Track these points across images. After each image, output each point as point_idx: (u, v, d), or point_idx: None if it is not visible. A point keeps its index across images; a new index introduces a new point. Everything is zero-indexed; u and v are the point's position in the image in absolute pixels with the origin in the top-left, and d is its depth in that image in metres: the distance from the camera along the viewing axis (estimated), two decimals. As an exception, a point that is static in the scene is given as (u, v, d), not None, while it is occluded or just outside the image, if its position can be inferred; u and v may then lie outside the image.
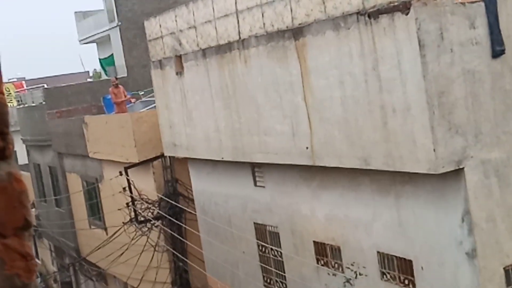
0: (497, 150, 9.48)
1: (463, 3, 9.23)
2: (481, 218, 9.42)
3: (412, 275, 10.60)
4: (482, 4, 9.35)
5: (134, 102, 23.33)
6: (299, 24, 11.29)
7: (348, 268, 11.93)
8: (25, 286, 1.04)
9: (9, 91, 44.56)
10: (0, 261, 1.02)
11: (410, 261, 10.59)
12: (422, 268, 10.34)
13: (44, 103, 28.35)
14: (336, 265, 12.34)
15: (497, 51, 9.35)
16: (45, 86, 34.91)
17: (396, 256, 10.89)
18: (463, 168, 9.26)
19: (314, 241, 12.78)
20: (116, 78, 23.57)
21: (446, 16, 9.10)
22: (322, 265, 12.71)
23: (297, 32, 11.36)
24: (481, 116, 9.34)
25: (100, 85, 28.93)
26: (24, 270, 1.03)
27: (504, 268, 9.57)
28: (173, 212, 18.43)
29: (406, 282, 10.77)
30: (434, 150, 9.07)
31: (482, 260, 9.43)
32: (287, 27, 11.63)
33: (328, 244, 12.45)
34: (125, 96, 22.57)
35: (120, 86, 22.60)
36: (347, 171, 11.15)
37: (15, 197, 1.02)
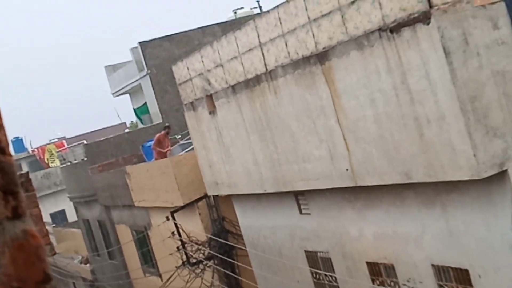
0: (539, 147, 9.32)
1: (483, 5, 9.18)
2: (532, 217, 9.24)
3: (470, 284, 10.41)
4: (503, 3, 9.29)
5: (170, 150, 23.42)
6: (323, 48, 11.35)
7: (405, 285, 11.77)
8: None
9: (51, 151, 45.42)
10: None
11: (466, 270, 10.41)
12: (479, 276, 10.16)
13: (85, 159, 28.79)
14: (392, 283, 12.19)
15: (524, 48, 9.26)
16: (85, 142, 35.49)
17: (451, 267, 10.72)
18: (506, 170, 9.13)
19: (366, 262, 12.66)
20: (168, 127, 23.27)
21: (468, 20, 9.07)
22: (378, 285, 12.57)
23: (322, 56, 11.41)
24: (517, 115, 9.21)
25: (138, 134, 29.30)
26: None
27: None
28: (224, 251, 18.45)
29: (465, 292, 10.58)
30: (474, 155, 8.97)
31: (540, 261, 9.23)
32: (311, 52, 11.70)
33: (381, 263, 12.32)
34: (168, 146, 22.64)
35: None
36: (390, 187, 11.07)
37: (33, 253, 1.06)
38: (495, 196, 9.48)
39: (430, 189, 10.45)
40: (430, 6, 9.08)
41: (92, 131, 56.46)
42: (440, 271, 10.96)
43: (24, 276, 1.05)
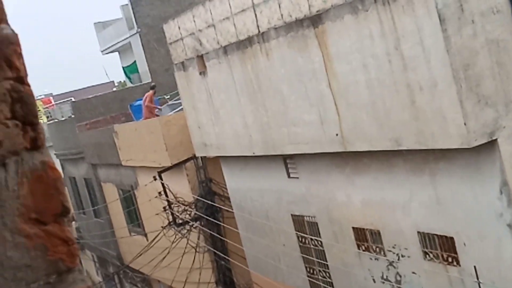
0: (529, 117, 9.35)
1: (480, -27, 9.12)
2: (520, 187, 9.31)
3: (455, 252, 10.52)
4: (500, -29, 9.23)
5: (160, 109, 23.52)
6: (317, 11, 11.26)
7: (390, 251, 11.88)
8: (70, 270, 1.07)
9: (38, 108, 45.11)
10: (43, 248, 1.05)
11: (452, 238, 10.51)
12: (464, 244, 10.26)
13: (73, 116, 28.66)
14: (377, 249, 12.29)
15: (519, 18, 9.24)
16: (73, 99, 35.28)
17: (437, 235, 10.81)
18: (496, 139, 9.17)
19: (353, 227, 12.75)
20: (155, 86, 23.79)
21: (464, -13, 9.01)
22: (363, 251, 12.68)
23: (315, 20, 11.33)
24: (510, 84, 9.23)
25: (126, 93, 29.17)
26: (67, 255, 1.06)
27: (547, 236, 9.46)
28: (210, 212, 18.52)
29: (450, 259, 10.70)
30: (465, 124, 8.98)
31: (525, 230, 9.32)
32: (305, 15, 11.61)
33: (367, 229, 12.41)
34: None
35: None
36: (379, 153, 11.11)
37: (51, 185, 1.05)
38: (483, 165, 9.53)
39: (419, 157, 10.48)
40: (428, -28, 9.00)
41: (80, 89, 56.09)
42: (426, 238, 11.05)
43: (43, 208, 1.04)
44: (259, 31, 13.10)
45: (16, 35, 1.04)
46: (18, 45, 1.04)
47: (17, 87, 1.02)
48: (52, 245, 1.04)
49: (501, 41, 9.19)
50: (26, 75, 1.05)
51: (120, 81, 41.17)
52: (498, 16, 9.19)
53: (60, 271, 1.05)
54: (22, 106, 1.04)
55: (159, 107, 23.45)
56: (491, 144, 9.21)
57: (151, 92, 22.89)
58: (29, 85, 1.06)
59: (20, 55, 1.05)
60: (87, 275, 33.02)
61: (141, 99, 23.93)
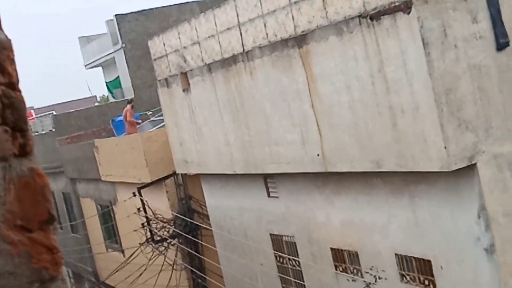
0: (509, 143, 9.44)
1: (464, -1, 9.24)
2: (498, 212, 9.37)
3: (432, 275, 10.55)
4: (483, -2, 9.36)
5: (141, 123, 23.52)
6: (302, 31, 11.33)
7: (367, 272, 11.88)
8: (53, 279, 1.06)
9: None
10: (27, 255, 1.04)
11: (429, 261, 10.54)
12: (441, 267, 10.29)
13: (54, 130, 28.49)
14: (355, 270, 12.29)
15: (501, 44, 9.35)
16: (54, 113, 35.10)
17: (414, 257, 10.84)
18: (475, 164, 9.23)
19: (331, 248, 12.74)
20: (133, 100, 23.95)
21: (448, 12, 9.11)
22: (341, 272, 12.67)
23: (300, 40, 11.39)
24: (490, 110, 9.32)
25: (108, 108, 29.09)
26: (51, 263, 1.05)
27: (524, 262, 9.51)
28: (189, 230, 18.44)
29: (427, 282, 10.72)
30: (445, 147, 9.05)
31: (502, 255, 9.37)
32: (290, 35, 11.67)
33: (345, 250, 12.41)
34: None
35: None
36: (360, 175, 11.14)
37: (38, 192, 1.04)
38: (463, 190, 9.59)
39: (399, 179, 10.53)
40: (412, -4, 9.10)
41: (62, 103, 55.84)
42: (403, 261, 11.07)
43: (29, 215, 1.03)
44: (244, 50, 13.14)
45: (9, 40, 1.04)
46: (11, 50, 1.04)
47: (8, 93, 1.02)
48: (36, 252, 1.03)
49: (483, 67, 9.29)
50: (18, 81, 1.05)
51: (103, 96, 41.06)
52: (481, 41, 9.30)
53: (44, 279, 1.04)
54: (13, 112, 1.03)
55: (139, 121, 23.45)
56: (471, 169, 9.28)
57: (128, 106, 22.90)
58: (20, 91, 1.05)
59: (12, 61, 1.04)
60: None
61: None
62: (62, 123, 28.20)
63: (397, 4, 9.29)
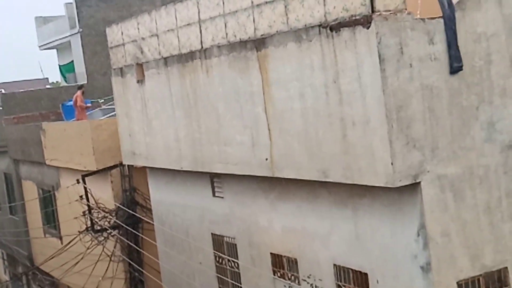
0: (453, 165, 9.60)
1: (422, 19, 9.35)
2: (436, 232, 9.52)
3: (368, 288, 10.65)
4: (441, 20, 9.49)
5: (90, 107, 23.27)
6: (262, 35, 11.33)
7: (305, 280, 11.93)
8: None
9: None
10: None
11: (366, 274, 10.63)
12: (377, 281, 10.40)
13: (1, 108, 27.91)
14: (292, 277, 12.34)
15: (455, 67, 9.50)
16: (3, 91, 34.39)
17: (352, 269, 10.93)
18: (419, 183, 9.36)
19: (271, 253, 12.77)
20: (83, 85, 23.69)
21: (406, 31, 9.22)
22: (278, 277, 12.70)
23: (259, 43, 11.39)
24: (438, 131, 9.46)
25: (59, 92, 28.64)
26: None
27: (457, 283, 9.67)
28: (130, 222, 18.28)
29: (362, 294, 10.81)
30: (391, 163, 9.14)
31: (437, 274, 9.52)
32: (249, 37, 11.66)
33: (285, 256, 12.45)
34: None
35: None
36: (306, 183, 11.18)
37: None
38: (405, 207, 9.71)
39: (344, 191, 10.60)
40: (372, 11, 9.18)
41: (11, 82, 54.73)
42: (341, 272, 11.16)
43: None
44: (202, 47, 13.08)
45: None
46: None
47: None
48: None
49: (435, 88, 9.42)
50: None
51: (57, 81, 40.37)
52: (435, 63, 9.43)
53: None
54: None
55: (89, 104, 23.16)
56: (414, 187, 9.40)
57: (79, 92, 22.63)
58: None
59: None
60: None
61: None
62: (10, 103, 27.64)
63: (357, 18, 9.36)
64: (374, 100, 9.23)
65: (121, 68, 16.42)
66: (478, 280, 9.86)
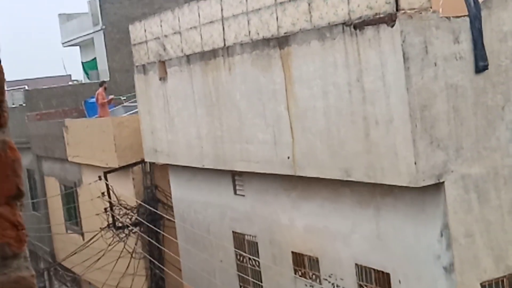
0: (478, 165, 9.52)
1: (448, 17, 9.29)
2: (460, 233, 9.45)
3: (389, 288, 10.60)
4: (467, 19, 9.42)
5: (113, 103, 23.29)
6: (285, 33, 11.31)
7: (326, 279, 11.90)
8: (16, 256, 1.01)
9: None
10: None
11: (388, 274, 10.58)
12: (399, 281, 10.34)
13: (24, 104, 28.13)
14: (313, 276, 12.31)
15: (480, 67, 9.42)
16: (26, 87, 34.65)
17: (374, 269, 10.88)
18: (443, 182, 9.29)
19: (292, 252, 12.75)
20: (105, 82, 23.71)
21: (431, 29, 9.16)
22: (299, 276, 12.68)
23: (282, 41, 11.37)
24: (463, 131, 9.39)
25: (82, 88, 28.80)
26: (15, 240, 1.01)
27: (481, 284, 9.60)
28: (152, 219, 18.33)
29: (383, 294, 10.76)
30: (415, 163, 9.09)
31: (460, 275, 9.45)
32: (272, 35, 11.65)
33: (306, 255, 12.42)
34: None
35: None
36: (328, 182, 11.15)
37: (9, 166, 1.00)
38: (428, 207, 9.65)
39: (367, 190, 10.56)
40: (397, 9, 9.14)
41: (35, 78, 55.09)
42: (363, 271, 11.11)
43: (-4, 188, 0.98)
44: (224, 45, 13.09)
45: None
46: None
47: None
48: (1, 228, 0.99)
49: (459, 87, 9.35)
50: (-2, 48, 1.00)
51: (78, 80, 40.56)
52: (460, 62, 9.36)
53: (6, 255, 1.00)
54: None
55: (111, 97, 23.11)
56: (438, 187, 9.34)
57: (101, 89, 22.61)
58: (-1, 59, 1.00)
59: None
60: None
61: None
62: (34, 99, 27.86)
63: (381, 16, 9.31)
64: (398, 99, 9.18)
65: (143, 65, 16.47)
66: (502, 281, 9.77)
